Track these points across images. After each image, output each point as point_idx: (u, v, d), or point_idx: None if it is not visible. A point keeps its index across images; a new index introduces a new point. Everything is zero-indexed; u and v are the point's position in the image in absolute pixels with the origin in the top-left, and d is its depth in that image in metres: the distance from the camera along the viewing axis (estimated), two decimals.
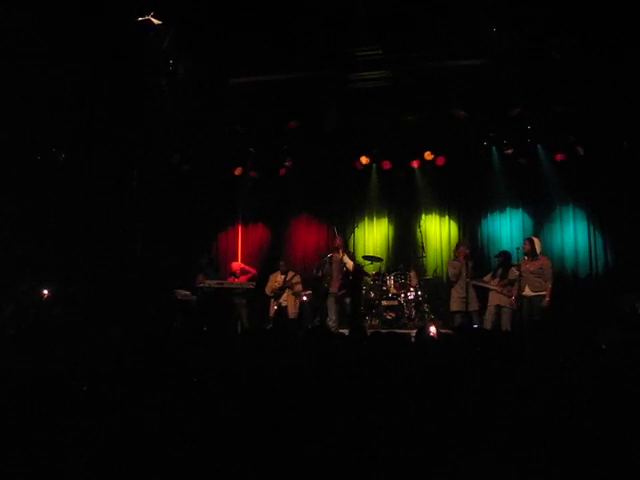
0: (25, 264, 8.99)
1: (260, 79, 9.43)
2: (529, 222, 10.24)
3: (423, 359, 3.51)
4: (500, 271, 8.62)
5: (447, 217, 10.84)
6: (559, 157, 9.80)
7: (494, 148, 10.24)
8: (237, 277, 10.10)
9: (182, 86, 9.28)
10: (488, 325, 8.32)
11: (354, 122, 10.14)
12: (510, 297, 8.37)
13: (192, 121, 9.83)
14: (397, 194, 10.96)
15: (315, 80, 9.47)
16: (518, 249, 8.47)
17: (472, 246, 9.76)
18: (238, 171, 11.03)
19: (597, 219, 9.84)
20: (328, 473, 2.10)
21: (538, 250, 8.44)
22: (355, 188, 11.05)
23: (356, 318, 9.16)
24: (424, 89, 9.38)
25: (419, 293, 9.73)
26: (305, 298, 9.80)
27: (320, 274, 9.31)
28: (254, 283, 9.87)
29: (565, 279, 9.58)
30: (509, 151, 10.05)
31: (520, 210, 10.32)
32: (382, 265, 10.24)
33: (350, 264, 9.22)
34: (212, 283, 9.71)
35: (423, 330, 5.66)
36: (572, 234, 9.95)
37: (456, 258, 9.05)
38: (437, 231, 10.86)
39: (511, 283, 8.42)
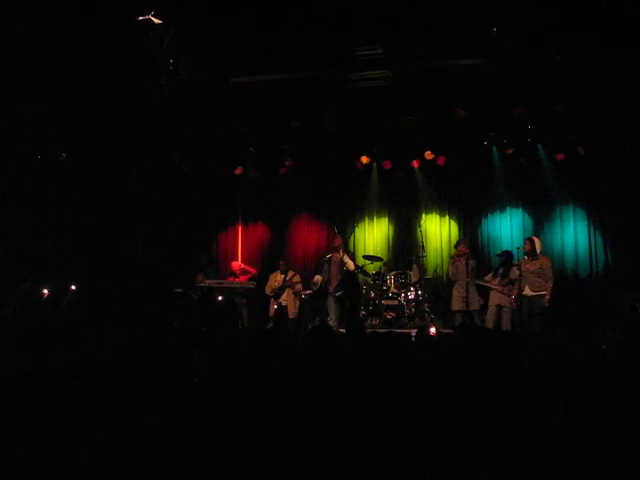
0: (25, 263, 8.99)
1: (260, 79, 9.42)
2: (529, 222, 10.25)
3: (423, 359, 3.51)
4: (501, 270, 8.63)
5: (447, 217, 10.85)
6: (559, 157, 9.82)
7: (494, 148, 10.25)
8: (237, 277, 10.11)
9: (182, 86, 9.27)
10: (489, 325, 8.33)
11: (354, 122, 10.15)
12: (510, 296, 8.38)
13: (192, 121, 9.83)
14: (397, 194, 10.98)
15: (315, 80, 9.47)
16: (518, 249, 8.47)
17: (472, 246, 9.78)
18: (238, 171, 11.04)
19: (597, 219, 9.85)
20: (328, 473, 2.10)
21: (538, 250, 8.44)
22: (355, 188, 11.06)
23: (354, 318, 9.14)
24: (424, 89, 9.38)
25: (419, 293, 9.74)
26: (304, 297, 9.81)
27: (325, 277, 9.28)
28: (254, 283, 9.87)
29: (565, 279, 9.60)
30: (509, 151, 10.06)
31: (520, 210, 10.33)
32: (382, 265, 10.25)
33: (350, 264, 9.21)
34: (212, 283, 9.72)
35: (423, 330, 5.65)
36: (572, 234, 9.96)
37: (456, 257, 9.05)
38: (437, 231, 10.87)
39: (512, 282, 8.42)
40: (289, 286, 9.73)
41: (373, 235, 11.18)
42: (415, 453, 2.16)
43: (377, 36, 8.64)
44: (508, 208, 10.41)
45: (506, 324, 8.35)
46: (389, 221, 11.13)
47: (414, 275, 9.87)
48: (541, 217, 10.18)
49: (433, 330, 6.11)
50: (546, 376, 2.91)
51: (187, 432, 2.26)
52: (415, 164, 10.62)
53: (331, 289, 9.16)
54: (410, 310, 9.61)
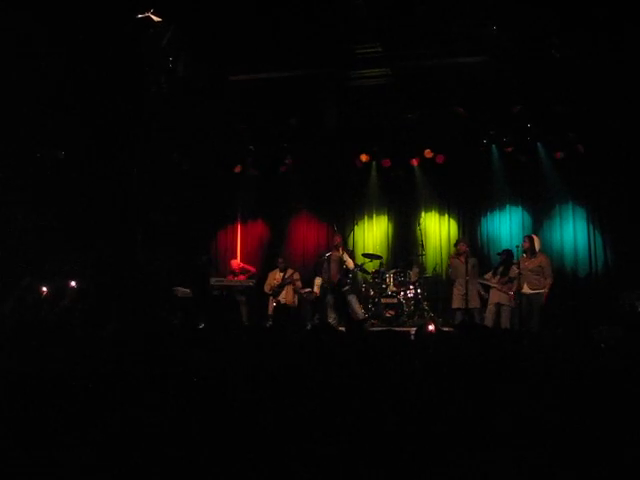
0: (25, 261, 8.99)
1: (260, 77, 9.42)
2: (529, 220, 10.24)
3: (423, 357, 3.51)
4: (501, 269, 8.63)
5: (447, 215, 10.84)
6: (559, 155, 9.80)
7: (494, 146, 10.23)
8: (236, 275, 10.11)
9: (182, 84, 9.26)
10: (489, 323, 8.32)
11: (354, 120, 10.14)
12: (508, 293, 8.38)
13: (192, 119, 9.82)
14: (397, 192, 10.96)
15: (315, 78, 9.47)
16: (518, 247, 8.46)
17: (472, 244, 9.77)
18: (238, 169, 11.02)
19: (597, 217, 9.84)
20: (328, 472, 2.11)
21: (537, 248, 8.44)
22: (355, 186, 11.04)
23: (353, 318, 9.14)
24: (424, 87, 9.38)
25: (419, 291, 9.74)
26: (304, 295, 9.80)
27: (325, 276, 9.27)
28: (254, 281, 9.87)
29: (564, 277, 9.59)
30: (509, 149, 10.05)
31: (520, 208, 10.32)
32: (382, 263, 10.25)
33: (350, 262, 9.21)
34: (212, 281, 9.72)
35: (423, 328, 5.65)
36: (572, 232, 9.95)
37: (455, 256, 9.05)
38: (437, 229, 10.86)
39: (511, 281, 8.42)
40: (288, 283, 9.72)
41: (372, 233, 11.17)
42: (415, 452, 2.16)
43: (377, 34, 8.63)
44: (507, 206, 10.40)
45: (505, 322, 8.35)
46: (388, 219, 11.12)
47: (413, 273, 9.87)
48: (540, 215, 10.17)
49: (431, 327, 6.10)
50: (545, 375, 2.91)
51: (187, 431, 2.26)
52: (415, 162, 10.60)
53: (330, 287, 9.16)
54: (409, 308, 9.61)
